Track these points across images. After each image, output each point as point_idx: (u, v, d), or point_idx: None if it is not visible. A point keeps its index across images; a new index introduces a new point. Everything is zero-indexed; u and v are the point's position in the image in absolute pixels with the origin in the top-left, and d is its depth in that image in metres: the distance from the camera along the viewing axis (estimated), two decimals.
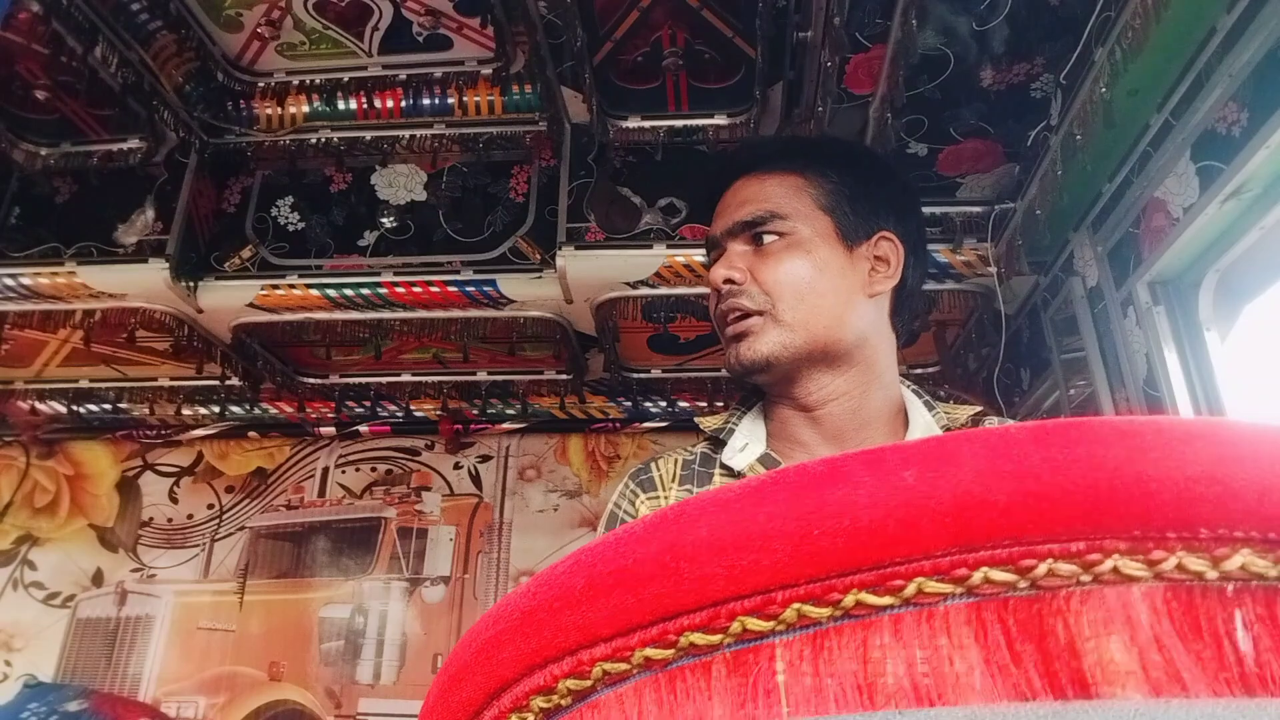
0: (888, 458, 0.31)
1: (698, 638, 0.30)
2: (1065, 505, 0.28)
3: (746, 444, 0.97)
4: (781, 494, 0.31)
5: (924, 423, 0.95)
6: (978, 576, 0.28)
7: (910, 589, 0.28)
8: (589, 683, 0.32)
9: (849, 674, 0.28)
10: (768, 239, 0.95)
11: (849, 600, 0.29)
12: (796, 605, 0.29)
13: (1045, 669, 0.27)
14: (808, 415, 0.95)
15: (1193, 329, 1.46)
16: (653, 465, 1.00)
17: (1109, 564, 0.27)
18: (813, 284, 0.93)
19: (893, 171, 1.12)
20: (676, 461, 1.00)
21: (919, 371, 2.50)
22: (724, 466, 0.96)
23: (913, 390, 1.01)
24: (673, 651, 0.31)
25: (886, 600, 0.29)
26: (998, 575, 0.28)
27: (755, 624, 0.30)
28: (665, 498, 0.96)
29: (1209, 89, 1.25)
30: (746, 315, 0.93)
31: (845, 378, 0.94)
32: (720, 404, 2.75)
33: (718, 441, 0.99)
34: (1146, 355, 1.50)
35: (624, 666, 0.31)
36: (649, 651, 0.31)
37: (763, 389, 1.00)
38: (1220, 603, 0.27)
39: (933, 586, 0.28)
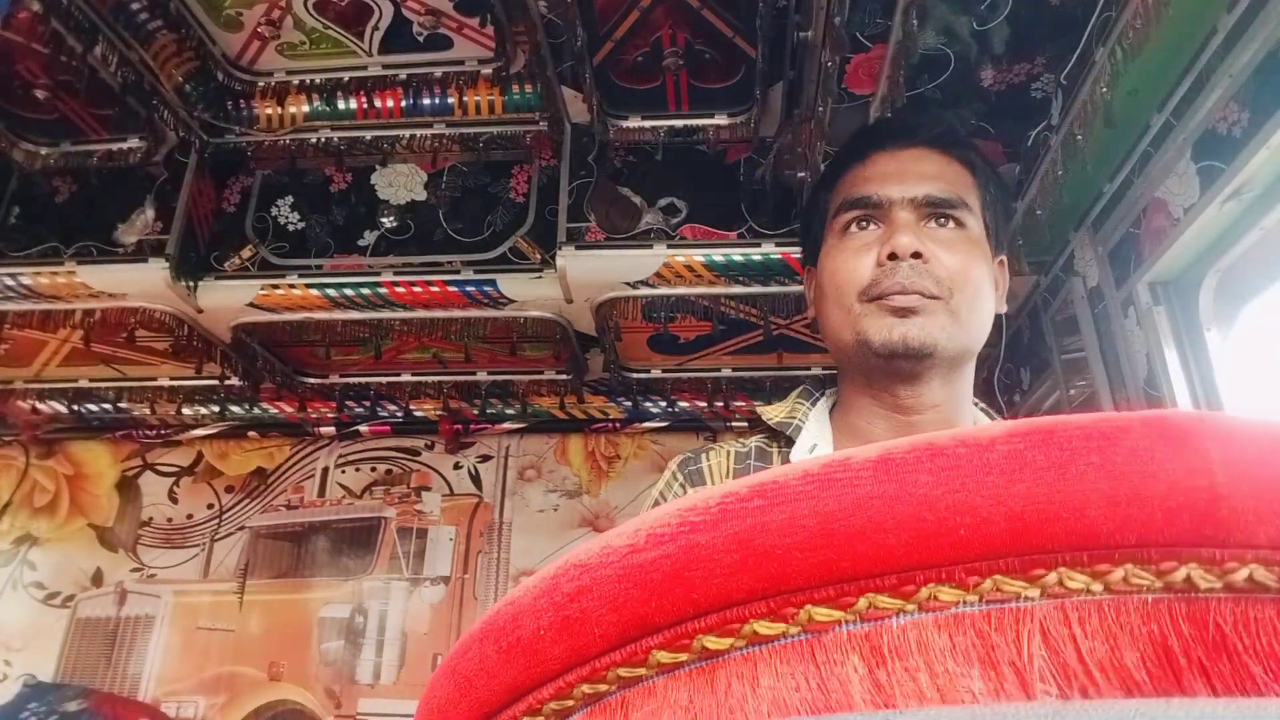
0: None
1: (821, 612, 0.29)
2: None
3: (815, 444, 0.91)
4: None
5: None
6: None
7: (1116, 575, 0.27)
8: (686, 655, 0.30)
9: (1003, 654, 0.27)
10: (950, 226, 0.90)
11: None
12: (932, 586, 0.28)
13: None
14: (902, 419, 0.89)
15: (1193, 329, 1.46)
16: (702, 457, 0.95)
17: None
18: (981, 287, 0.89)
19: (1010, 200, 1.07)
20: (729, 454, 0.94)
21: None
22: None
23: (983, 409, 0.97)
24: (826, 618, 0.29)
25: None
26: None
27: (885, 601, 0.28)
28: None
29: (1210, 89, 1.25)
30: (921, 294, 0.85)
31: (950, 388, 0.90)
32: (720, 404, 2.75)
33: (772, 434, 0.94)
34: (1147, 355, 1.50)
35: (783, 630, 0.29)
36: (818, 611, 0.29)
37: (860, 376, 0.92)
38: None
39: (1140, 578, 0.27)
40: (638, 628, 0.30)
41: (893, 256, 0.86)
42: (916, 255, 0.86)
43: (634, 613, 0.30)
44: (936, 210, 0.90)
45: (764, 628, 0.28)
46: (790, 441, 0.92)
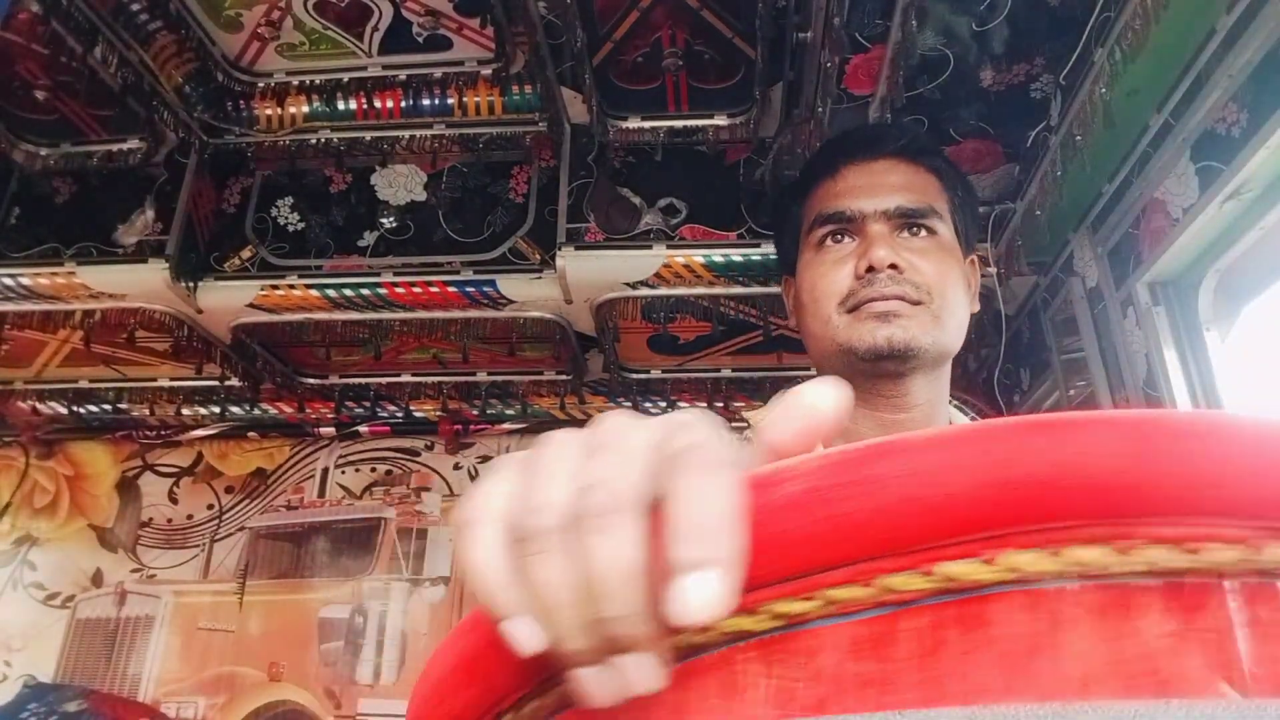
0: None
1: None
2: None
3: None
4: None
5: None
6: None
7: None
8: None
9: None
10: (923, 234, 0.93)
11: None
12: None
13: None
14: (889, 418, 0.92)
15: (1192, 329, 1.46)
16: None
17: None
18: (957, 290, 0.93)
19: (977, 196, 1.12)
20: None
21: None
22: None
23: (957, 407, 1.01)
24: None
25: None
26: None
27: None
28: None
29: (1209, 90, 1.25)
30: (902, 300, 0.90)
31: (932, 387, 0.93)
32: (720, 405, 2.75)
33: None
34: (1146, 355, 1.50)
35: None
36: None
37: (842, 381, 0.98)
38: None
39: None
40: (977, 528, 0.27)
41: (870, 269, 0.90)
42: (893, 267, 0.90)
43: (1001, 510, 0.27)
44: (908, 220, 0.94)
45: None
46: None
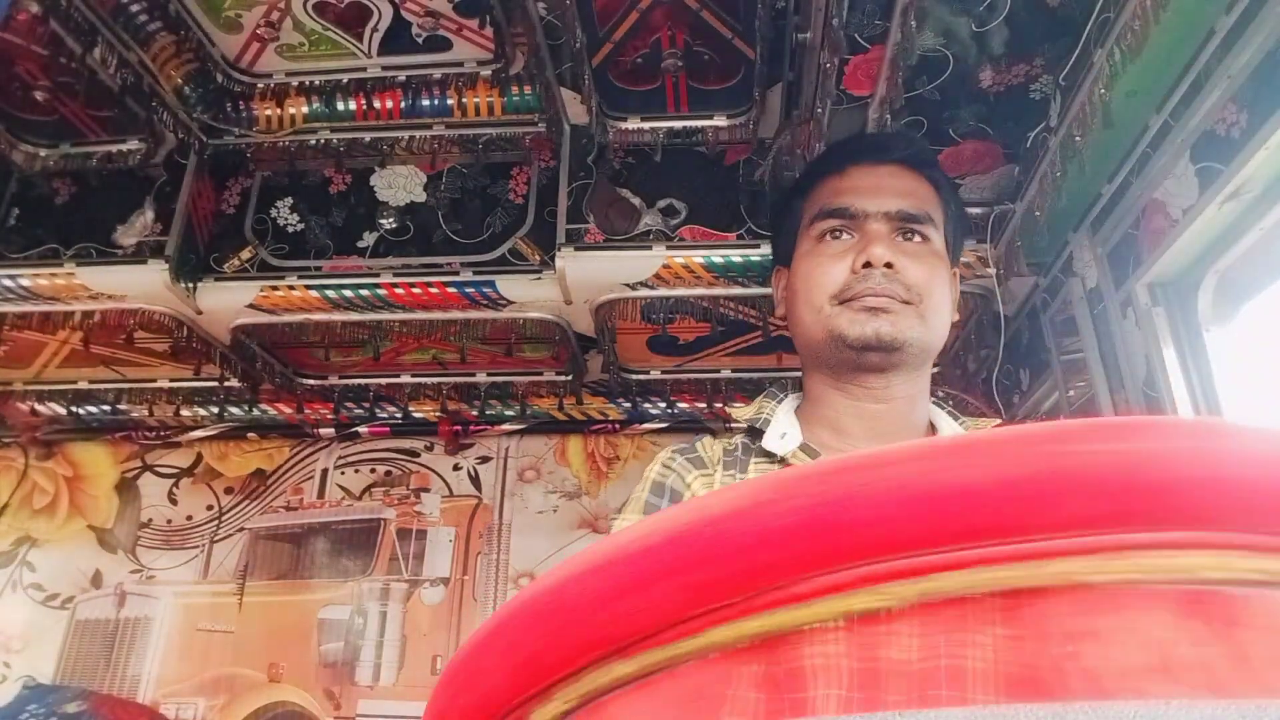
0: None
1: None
2: None
3: (785, 432, 0.98)
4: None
5: (954, 433, 0.99)
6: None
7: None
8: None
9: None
10: (917, 238, 0.99)
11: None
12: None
13: None
14: (871, 408, 0.97)
15: (1192, 330, 1.46)
16: (698, 445, 1.01)
17: None
18: (944, 295, 0.99)
19: (966, 212, 1.20)
20: (720, 446, 1.01)
21: None
22: (763, 452, 0.97)
23: (933, 403, 1.05)
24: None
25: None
26: None
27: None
28: (713, 475, 0.97)
29: (1208, 90, 1.25)
30: (892, 298, 0.95)
31: (913, 383, 0.98)
32: (720, 405, 2.75)
33: (754, 433, 1.01)
34: (1146, 356, 1.50)
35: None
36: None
37: (828, 372, 1.01)
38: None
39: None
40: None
41: (867, 265, 0.95)
42: (889, 265, 0.95)
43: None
44: (907, 224, 0.99)
45: None
46: (761, 433, 0.99)
